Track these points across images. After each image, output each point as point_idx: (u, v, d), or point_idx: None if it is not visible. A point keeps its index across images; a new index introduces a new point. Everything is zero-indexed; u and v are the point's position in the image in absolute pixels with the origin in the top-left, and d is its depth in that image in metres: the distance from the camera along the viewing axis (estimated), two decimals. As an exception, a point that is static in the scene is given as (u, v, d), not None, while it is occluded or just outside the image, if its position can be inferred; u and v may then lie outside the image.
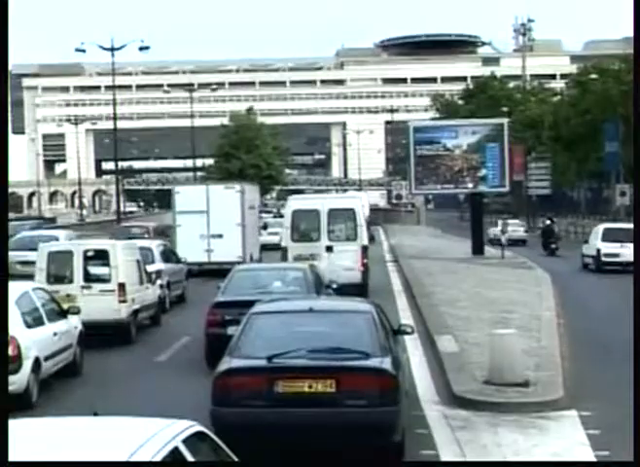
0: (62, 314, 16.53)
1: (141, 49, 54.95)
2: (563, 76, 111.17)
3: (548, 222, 51.46)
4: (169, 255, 29.13)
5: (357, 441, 10.30)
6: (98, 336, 18.91)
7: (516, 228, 57.34)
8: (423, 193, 58.26)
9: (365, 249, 28.18)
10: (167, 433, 5.64)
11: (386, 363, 10.65)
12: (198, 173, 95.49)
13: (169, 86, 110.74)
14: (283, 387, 10.37)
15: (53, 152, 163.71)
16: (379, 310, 12.10)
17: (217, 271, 29.16)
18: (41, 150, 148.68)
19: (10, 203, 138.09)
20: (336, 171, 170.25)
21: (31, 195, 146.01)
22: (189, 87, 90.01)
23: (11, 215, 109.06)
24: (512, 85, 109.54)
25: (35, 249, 23.95)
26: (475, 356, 15.91)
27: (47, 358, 15.14)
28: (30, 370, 14.36)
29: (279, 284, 18.23)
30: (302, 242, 27.66)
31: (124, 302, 20.09)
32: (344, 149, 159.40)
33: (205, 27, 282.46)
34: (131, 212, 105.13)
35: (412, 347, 17.99)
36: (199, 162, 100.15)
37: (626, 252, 34.12)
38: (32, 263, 23.88)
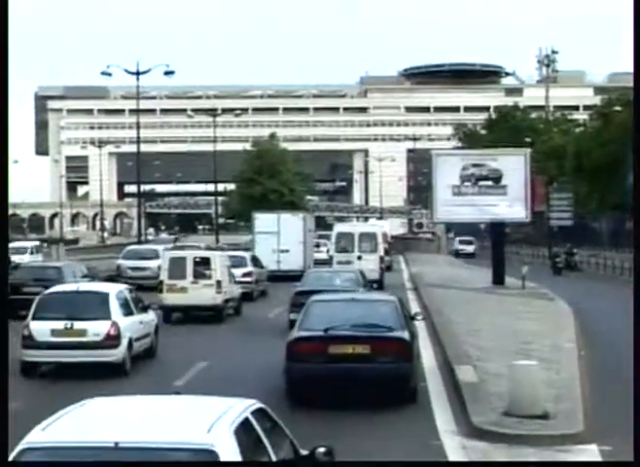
0: (144, 309, 20.76)
1: (166, 73, 55.15)
2: (587, 107, 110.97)
3: (429, 235, 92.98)
4: (256, 262, 38.66)
5: (384, 385, 14.94)
6: (201, 315, 28.28)
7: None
8: (445, 220, 58.18)
9: (381, 258, 43.43)
10: (239, 407, 7.07)
11: (405, 334, 15.53)
12: (220, 198, 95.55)
13: (193, 110, 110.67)
14: (334, 349, 15.07)
15: (76, 174, 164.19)
16: (401, 301, 17.35)
17: (284, 277, 40.10)
18: (64, 172, 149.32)
19: (32, 224, 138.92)
20: (357, 198, 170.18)
21: (53, 216, 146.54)
22: (212, 111, 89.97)
23: (33, 235, 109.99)
24: (534, 115, 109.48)
25: (142, 258, 41.70)
26: (494, 387, 15.80)
27: (136, 340, 19.27)
28: (126, 347, 18.52)
29: (339, 281, 26.76)
30: (342, 253, 42.65)
31: (219, 293, 28.20)
32: (366, 176, 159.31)
33: (230, 53, 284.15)
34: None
35: (431, 374, 17.94)
36: (221, 187, 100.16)
37: (468, 248, 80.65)
38: (140, 268, 40.58)
